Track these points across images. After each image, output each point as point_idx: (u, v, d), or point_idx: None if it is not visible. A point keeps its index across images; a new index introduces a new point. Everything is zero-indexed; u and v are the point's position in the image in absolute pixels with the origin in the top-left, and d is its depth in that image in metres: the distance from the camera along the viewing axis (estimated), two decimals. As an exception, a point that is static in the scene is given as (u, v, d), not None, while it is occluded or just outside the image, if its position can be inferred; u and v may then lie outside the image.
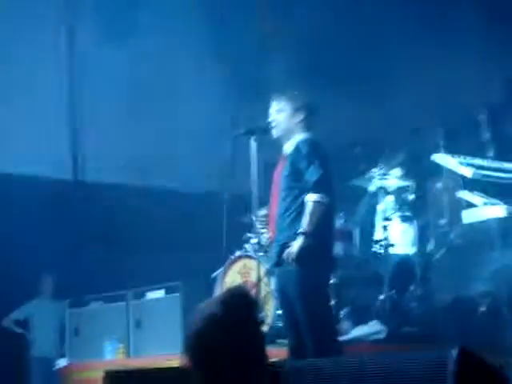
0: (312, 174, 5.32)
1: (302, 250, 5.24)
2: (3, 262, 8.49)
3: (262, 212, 5.71)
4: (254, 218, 5.81)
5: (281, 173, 5.56)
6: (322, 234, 5.32)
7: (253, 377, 2.41)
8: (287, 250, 5.30)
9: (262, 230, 6.09)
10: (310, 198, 5.30)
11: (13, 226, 8.50)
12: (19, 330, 9.00)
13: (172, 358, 6.55)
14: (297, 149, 5.47)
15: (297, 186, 5.41)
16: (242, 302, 2.43)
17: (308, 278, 5.28)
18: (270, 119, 5.61)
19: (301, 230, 5.27)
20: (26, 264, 8.52)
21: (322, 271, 5.41)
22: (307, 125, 5.56)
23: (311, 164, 5.34)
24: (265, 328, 6.29)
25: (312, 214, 5.26)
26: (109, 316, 7.62)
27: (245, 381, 2.40)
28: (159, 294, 7.35)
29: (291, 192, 5.43)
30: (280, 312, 5.87)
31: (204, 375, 2.40)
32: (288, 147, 5.55)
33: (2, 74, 8.80)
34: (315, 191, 5.29)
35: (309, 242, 5.24)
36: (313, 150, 5.41)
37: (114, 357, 7.39)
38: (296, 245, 5.26)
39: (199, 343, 2.40)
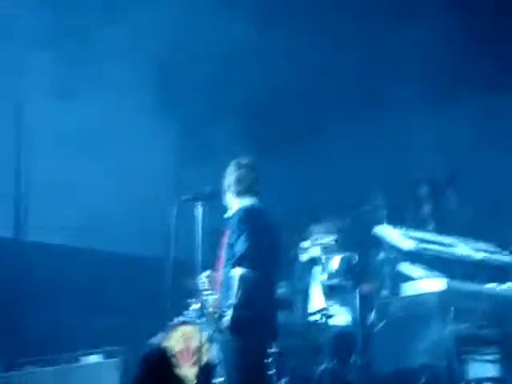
0: (239, 247, 5.34)
1: (235, 321, 5.26)
2: None
3: (207, 274, 5.76)
4: (199, 282, 5.80)
5: (226, 239, 5.59)
6: (256, 305, 5.32)
7: None
8: (222, 320, 5.34)
9: (206, 293, 6.08)
10: (236, 272, 5.31)
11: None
12: None
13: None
14: (234, 217, 5.50)
15: (233, 256, 5.44)
16: (159, 360, 2.44)
17: (242, 348, 5.29)
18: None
19: (230, 301, 5.31)
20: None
21: (257, 341, 5.40)
22: (248, 192, 5.59)
23: (240, 236, 5.36)
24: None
25: (239, 287, 5.28)
26: (44, 380, 7.43)
27: None
28: (97, 358, 7.24)
29: (229, 261, 5.46)
30: (221, 380, 5.78)
31: None
32: (231, 213, 5.62)
33: None
34: (240, 265, 5.31)
35: (240, 313, 5.26)
36: (243, 221, 5.43)
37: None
38: (227, 316, 5.29)
39: None
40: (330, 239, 7.21)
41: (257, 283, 5.31)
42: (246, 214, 5.45)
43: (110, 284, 8.89)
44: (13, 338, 8.35)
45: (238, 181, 5.58)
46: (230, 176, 5.63)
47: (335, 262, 7.19)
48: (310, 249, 7.16)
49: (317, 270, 7.26)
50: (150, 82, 9.29)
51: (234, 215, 5.50)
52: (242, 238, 5.32)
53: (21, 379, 7.63)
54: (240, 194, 5.59)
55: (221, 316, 5.36)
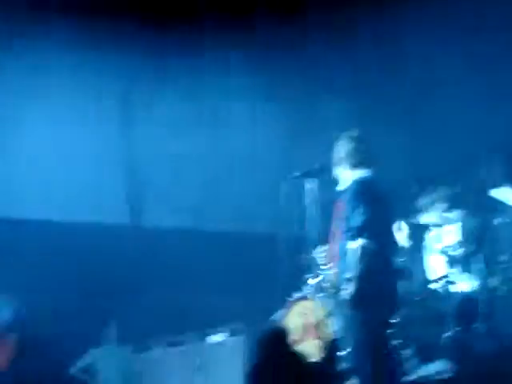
0: (355, 220, 5.31)
1: (355, 294, 5.22)
2: (69, 310, 8.58)
3: (323, 249, 5.71)
4: (314, 257, 5.77)
5: (339, 211, 5.54)
6: (374, 277, 5.28)
7: None
8: (342, 294, 5.32)
9: (323, 267, 5.99)
10: (353, 245, 5.28)
11: (77, 273, 8.64)
12: (85, 377, 9.07)
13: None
14: (350, 188, 5.47)
15: (349, 228, 5.39)
16: (274, 338, 2.54)
17: (363, 321, 5.26)
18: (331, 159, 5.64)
19: (348, 275, 5.27)
20: (91, 310, 8.64)
21: (378, 313, 5.35)
22: (363, 164, 5.55)
23: (355, 208, 5.33)
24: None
25: (357, 260, 5.24)
26: (171, 360, 7.68)
27: None
28: (221, 336, 7.41)
29: (345, 234, 5.42)
30: (344, 353, 5.70)
31: None
32: (345, 186, 5.57)
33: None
34: (359, 237, 5.26)
35: (360, 286, 5.21)
36: (359, 193, 5.40)
37: (178, 400, 7.42)
38: (346, 290, 5.27)
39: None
40: (444, 206, 7.03)
41: (376, 254, 5.27)
42: (362, 186, 5.42)
43: (227, 263, 8.96)
44: (139, 321, 8.60)
45: (351, 154, 5.54)
46: (342, 149, 5.58)
47: (454, 228, 7.11)
48: (425, 217, 7.04)
49: (434, 237, 7.17)
50: (258, 60, 9.30)
51: (348, 188, 5.47)
52: (359, 211, 5.27)
53: (151, 360, 7.84)
54: (353, 166, 5.55)
55: (340, 289, 5.33)
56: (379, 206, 5.45)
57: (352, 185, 5.46)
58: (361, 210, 5.27)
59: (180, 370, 7.52)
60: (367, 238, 5.23)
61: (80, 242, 8.72)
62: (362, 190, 5.40)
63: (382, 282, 5.36)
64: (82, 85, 9.00)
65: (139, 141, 9.50)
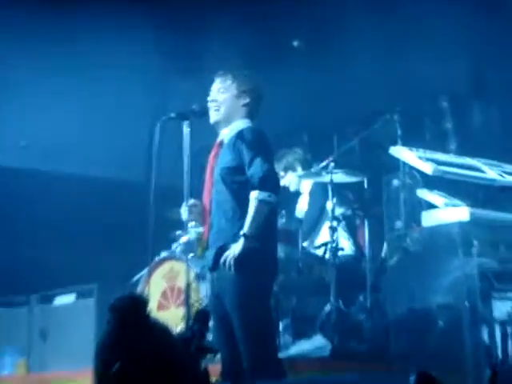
0: (257, 169, 4.95)
1: (243, 254, 4.83)
2: None
3: (194, 203, 5.21)
4: (184, 211, 5.23)
5: (215, 162, 5.15)
6: (265, 237, 4.94)
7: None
8: (226, 254, 4.89)
9: (191, 223, 5.60)
10: (256, 196, 4.89)
11: None
12: None
13: (81, 374, 5.96)
14: (240, 137, 5.07)
15: (237, 179, 5.03)
16: (129, 306, 2.50)
17: (248, 286, 4.92)
18: (210, 99, 5.19)
19: (243, 231, 4.86)
20: None
21: (264, 278, 5.03)
22: (251, 110, 5.19)
23: (256, 157, 4.97)
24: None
25: (257, 214, 4.88)
26: (9, 324, 7.18)
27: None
28: (70, 298, 6.97)
29: (230, 186, 5.03)
30: (211, 322, 5.22)
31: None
32: (227, 133, 5.14)
33: None
34: (261, 188, 4.90)
35: (251, 245, 4.84)
36: (259, 141, 5.08)
37: (13, 371, 7.00)
38: (236, 248, 4.86)
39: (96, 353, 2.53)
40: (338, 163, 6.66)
41: (271, 210, 4.94)
42: (260, 134, 5.10)
43: (88, 213, 8.39)
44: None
45: (243, 97, 5.17)
46: (234, 91, 5.17)
47: (344, 188, 6.90)
48: (318, 174, 6.74)
49: (324, 198, 6.87)
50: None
51: (240, 134, 5.07)
52: (261, 160, 4.93)
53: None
54: (242, 112, 5.15)
55: (221, 249, 4.91)
56: (272, 157, 5.19)
57: (246, 132, 5.09)
58: (261, 159, 4.95)
59: (18, 335, 7.04)
60: (270, 189, 4.91)
61: None
62: (262, 138, 5.10)
63: (270, 242, 5.03)
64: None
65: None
